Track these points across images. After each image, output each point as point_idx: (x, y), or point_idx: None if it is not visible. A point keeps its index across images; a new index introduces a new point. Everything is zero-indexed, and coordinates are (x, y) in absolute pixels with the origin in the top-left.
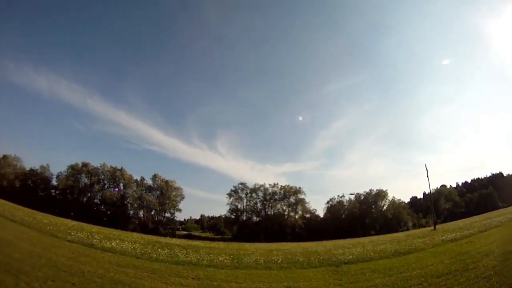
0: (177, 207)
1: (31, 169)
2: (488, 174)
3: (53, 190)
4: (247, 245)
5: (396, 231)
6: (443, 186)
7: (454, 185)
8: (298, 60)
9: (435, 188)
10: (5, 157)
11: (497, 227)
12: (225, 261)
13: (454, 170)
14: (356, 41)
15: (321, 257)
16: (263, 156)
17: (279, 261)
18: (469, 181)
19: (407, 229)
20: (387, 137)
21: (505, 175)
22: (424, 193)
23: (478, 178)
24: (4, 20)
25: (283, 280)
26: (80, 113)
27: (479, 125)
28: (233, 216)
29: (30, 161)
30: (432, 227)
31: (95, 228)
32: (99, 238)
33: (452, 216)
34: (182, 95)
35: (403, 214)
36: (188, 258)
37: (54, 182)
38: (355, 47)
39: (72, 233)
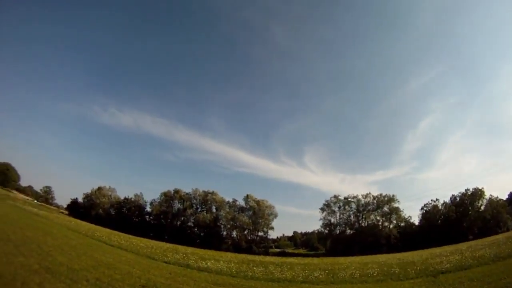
0: (270, 226)
1: (125, 198)
2: None
3: (147, 216)
4: (341, 259)
5: (496, 233)
6: None
7: None
8: (373, 64)
9: None
10: (100, 188)
11: None
12: (320, 276)
13: None
14: (425, 32)
15: (418, 268)
16: (352, 167)
17: (374, 274)
18: None
19: (507, 230)
20: (476, 129)
21: None
22: None
23: None
24: (88, 69)
25: None
26: (167, 144)
27: None
28: (326, 231)
29: (125, 191)
30: None
31: (190, 249)
32: (194, 258)
33: None
34: (265, 115)
35: (502, 214)
36: (283, 275)
37: (148, 208)
38: (426, 39)
39: (168, 255)
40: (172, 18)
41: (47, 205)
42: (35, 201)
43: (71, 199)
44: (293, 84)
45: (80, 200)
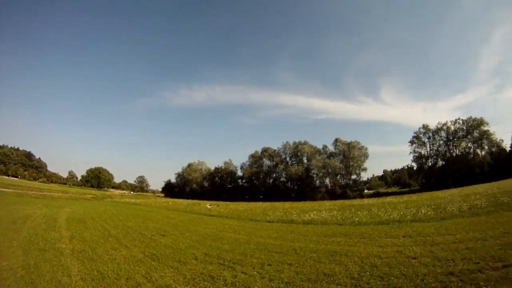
0: (362, 167)
1: (216, 168)
2: None
3: (239, 180)
4: (439, 193)
5: None
6: None
7: None
8: None
9: None
10: (190, 165)
11: None
12: (428, 213)
13: None
14: None
15: None
16: (432, 93)
17: (483, 206)
18: None
19: None
20: None
21: None
22: None
23: None
24: (151, 60)
25: (497, 226)
26: (244, 108)
27: None
28: (417, 165)
29: (215, 163)
30: None
31: (287, 204)
32: (295, 213)
33: None
34: (331, 56)
35: None
36: (391, 216)
37: (239, 173)
38: None
39: (269, 214)
40: None
41: (143, 193)
42: (131, 192)
43: (164, 181)
44: (350, 18)
45: (173, 180)
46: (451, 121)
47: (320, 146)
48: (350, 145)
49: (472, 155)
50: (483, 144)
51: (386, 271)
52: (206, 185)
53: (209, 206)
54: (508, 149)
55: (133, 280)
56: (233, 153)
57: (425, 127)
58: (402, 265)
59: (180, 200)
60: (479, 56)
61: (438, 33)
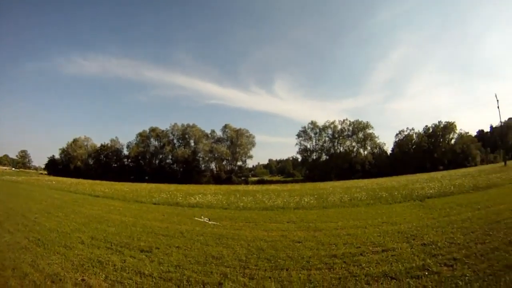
0: (248, 155)
1: (102, 145)
2: None
3: (125, 160)
4: (321, 185)
5: (464, 166)
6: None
7: None
8: None
9: (503, 120)
10: (75, 140)
11: None
12: (311, 201)
13: None
14: None
15: (403, 192)
16: (322, 93)
17: (363, 198)
18: None
19: (475, 165)
20: (448, 64)
21: None
22: (492, 126)
23: None
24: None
25: (376, 216)
26: (138, 84)
27: None
28: (302, 157)
29: (102, 140)
30: (502, 163)
31: (172, 186)
32: (181, 195)
33: None
34: (232, 45)
35: (471, 149)
36: (275, 203)
37: (126, 152)
38: None
39: (154, 196)
40: None
41: (25, 170)
42: (13, 168)
43: (48, 157)
44: (259, 11)
45: (57, 156)
46: (339, 121)
47: (208, 131)
48: (238, 132)
49: (355, 153)
50: (366, 145)
51: (272, 254)
52: (91, 163)
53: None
54: (389, 151)
55: (20, 270)
56: (122, 130)
57: (313, 123)
58: (288, 248)
59: (65, 179)
60: (375, 69)
61: (341, 42)
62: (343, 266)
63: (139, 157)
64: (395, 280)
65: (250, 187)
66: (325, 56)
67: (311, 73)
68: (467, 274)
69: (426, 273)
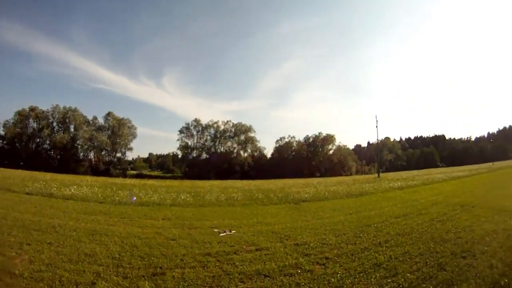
0: (128, 146)
1: None
2: (431, 134)
3: (0, 141)
4: (200, 183)
5: (341, 175)
6: (387, 138)
7: (397, 139)
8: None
9: (380, 139)
10: None
11: (439, 183)
12: (188, 199)
13: (399, 125)
14: None
15: (279, 195)
16: (210, 93)
17: (239, 198)
18: (412, 138)
19: (351, 174)
20: (336, 83)
21: (446, 138)
22: (369, 142)
23: (421, 136)
24: None
25: (251, 217)
26: (23, 54)
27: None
28: (182, 154)
29: None
30: (376, 175)
31: (48, 175)
32: (56, 186)
33: (393, 167)
34: (131, 29)
35: (348, 160)
36: (151, 199)
37: (1, 131)
38: None
39: (28, 185)
40: None
41: None
42: None
43: None
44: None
45: None
46: (222, 121)
47: (90, 117)
48: (121, 122)
49: (235, 155)
50: (247, 147)
51: (146, 251)
52: None
53: None
54: (269, 155)
55: None
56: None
57: (196, 120)
58: (162, 246)
59: None
60: (266, 76)
61: (239, 45)
62: (217, 264)
63: (15, 140)
64: (268, 278)
65: (128, 181)
66: (220, 56)
67: (203, 71)
68: (339, 272)
69: (299, 271)
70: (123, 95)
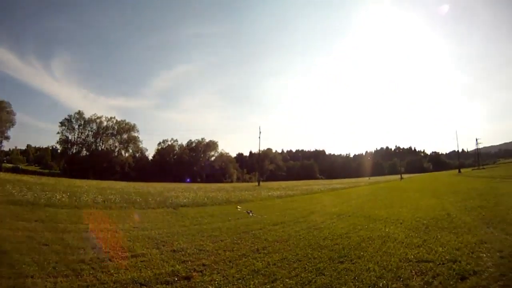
0: (6, 135)
1: None
2: (312, 149)
3: None
4: (78, 182)
5: (222, 181)
6: (269, 149)
7: (279, 151)
8: None
9: (262, 149)
10: None
11: (317, 193)
12: (63, 199)
13: (281, 138)
14: None
15: (157, 199)
16: (98, 85)
17: (117, 201)
18: (293, 150)
19: (231, 181)
20: (226, 92)
21: (327, 153)
22: (251, 152)
23: (302, 150)
24: None
25: (128, 221)
26: None
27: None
28: (62, 148)
29: None
30: (256, 183)
31: None
32: None
33: (274, 177)
34: (33, 10)
35: (229, 167)
36: (25, 197)
37: None
38: None
39: None
40: None
41: None
42: None
43: None
44: None
45: None
46: (106, 117)
47: None
48: (1, 105)
49: (116, 154)
50: (129, 147)
51: (17, 258)
52: None
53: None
54: (150, 158)
55: None
56: None
57: (79, 113)
58: (34, 251)
59: None
60: (157, 76)
61: (138, 38)
62: (91, 272)
63: None
64: (144, 287)
65: (2, 175)
66: (114, 48)
67: (95, 61)
68: (217, 279)
69: (176, 279)
70: (6, 74)
